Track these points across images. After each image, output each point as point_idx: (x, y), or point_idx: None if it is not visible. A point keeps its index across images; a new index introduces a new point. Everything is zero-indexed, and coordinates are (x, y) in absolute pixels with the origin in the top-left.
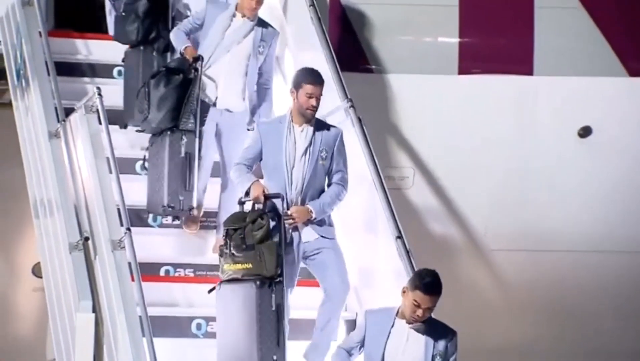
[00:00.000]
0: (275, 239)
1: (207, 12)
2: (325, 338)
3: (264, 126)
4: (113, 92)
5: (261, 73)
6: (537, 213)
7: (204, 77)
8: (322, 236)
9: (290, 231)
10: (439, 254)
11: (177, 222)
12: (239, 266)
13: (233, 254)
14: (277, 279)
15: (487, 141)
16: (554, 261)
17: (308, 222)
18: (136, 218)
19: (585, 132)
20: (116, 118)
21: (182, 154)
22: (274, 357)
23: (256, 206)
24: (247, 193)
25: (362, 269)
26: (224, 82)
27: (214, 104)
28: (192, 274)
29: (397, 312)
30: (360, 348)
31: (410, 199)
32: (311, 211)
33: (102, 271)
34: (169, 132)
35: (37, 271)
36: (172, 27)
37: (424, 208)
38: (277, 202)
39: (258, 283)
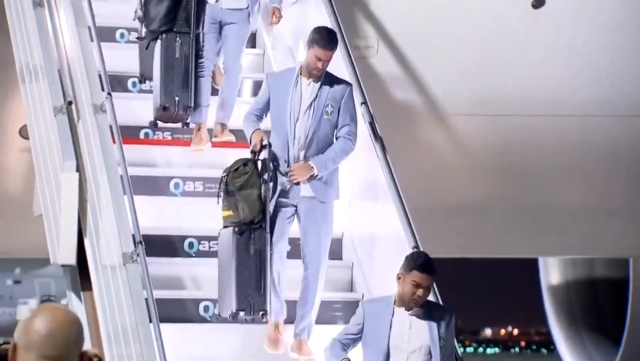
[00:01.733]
0: (262, 187)
1: None
2: (304, 320)
3: (273, 77)
4: None
5: None
6: (494, 80)
7: None
8: (317, 198)
9: (292, 184)
10: (400, 119)
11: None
12: (224, 212)
13: (222, 201)
14: (257, 225)
15: (446, 11)
16: (509, 124)
17: (311, 178)
18: (117, 83)
19: (538, 3)
20: None
21: (177, 55)
22: (252, 302)
23: (262, 155)
24: (250, 141)
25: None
26: None
27: (215, 2)
28: (169, 137)
29: (395, 301)
30: (356, 341)
31: (375, 67)
32: (312, 167)
33: (85, 133)
34: (163, 36)
35: (23, 132)
36: None
37: (388, 75)
38: (279, 151)
39: (236, 229)
